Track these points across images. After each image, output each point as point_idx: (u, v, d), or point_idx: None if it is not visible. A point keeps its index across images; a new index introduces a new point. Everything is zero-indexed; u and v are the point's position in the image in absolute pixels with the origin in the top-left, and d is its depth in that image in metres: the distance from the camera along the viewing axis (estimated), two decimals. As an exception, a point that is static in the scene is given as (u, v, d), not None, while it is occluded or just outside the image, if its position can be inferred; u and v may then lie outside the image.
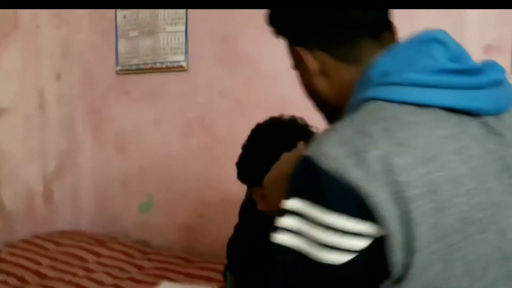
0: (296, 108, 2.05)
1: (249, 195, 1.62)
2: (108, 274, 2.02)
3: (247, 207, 1.63)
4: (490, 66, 0.68)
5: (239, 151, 2.40)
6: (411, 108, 0.64)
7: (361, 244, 0.59)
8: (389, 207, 0.58)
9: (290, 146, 1.24)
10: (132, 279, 1.98)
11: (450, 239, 0.59)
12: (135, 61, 2.56)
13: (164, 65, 2.47)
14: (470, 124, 0.66)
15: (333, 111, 0.81)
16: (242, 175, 1.37)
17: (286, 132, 1.35)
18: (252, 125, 2.33)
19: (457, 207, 0.59)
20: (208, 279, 2.00)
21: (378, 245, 0.58)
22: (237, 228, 1.72)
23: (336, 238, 0.59)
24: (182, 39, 2.42)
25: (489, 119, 0.67)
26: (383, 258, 0.58)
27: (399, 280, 0.59)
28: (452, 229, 0.59)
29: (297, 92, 2.22)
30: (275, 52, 2.16)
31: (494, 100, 0.67)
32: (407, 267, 0.58)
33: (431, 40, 0.70)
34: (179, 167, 2.52)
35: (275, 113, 2.17)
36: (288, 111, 2.09)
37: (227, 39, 2.32)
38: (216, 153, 2.41)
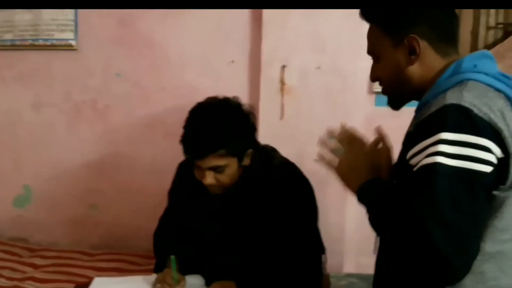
0: (205, 94, 2.11)
1: (181, 174, 1.62)
2: (1, 276, 1.77)
3: (180, 188, 1.63)
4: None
5: (140, 135, 2.35)
6: (492, 89, 0.95)
7: (494, 160, 0.87)
8: (509, 138, 0.88)
9: (229, 121, 1.33)
10: (34, 279, 1.78)
11: None
12: (9, 36, 2.25)
13: (48, 43, 2.24)
14: None
15: (409, 94, 1.07)
16: (189, 150, 1.41)
17: (225, 108, 1.44)
18: (156, 110, 2.31)
19: None
20: (119, 271, 1.91)
21: (502, 163, 0.88)
22: (162, 218, 1.69)
23: (486, 155, 0.85)
24: (71, 16, 2.23)
25: None
26: (505, 171, 0.88)
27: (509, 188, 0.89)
28: None
29: (207, 79, 2.29)
30: (183, 38, 2.20)
31: None
32: None
33: (489, 56, 1.04)
34: (65, 155, 2.31)
35: (183, 99, 2.20)
36: (196, 98, 2.15)
37: (125, 21, 2.21)
38: (112, 139, 2.29)
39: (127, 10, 2.19)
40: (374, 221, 0.98)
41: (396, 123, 2.09)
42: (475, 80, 0.95)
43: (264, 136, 1.96)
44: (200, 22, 2.18)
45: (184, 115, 2.16)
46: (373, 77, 1.12)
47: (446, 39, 1.03)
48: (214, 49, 2.18)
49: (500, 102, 0.92)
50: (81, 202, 2.33)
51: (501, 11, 2.09)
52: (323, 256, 1.51)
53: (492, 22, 2.09)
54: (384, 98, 2.18)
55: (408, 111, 2.10)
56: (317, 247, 1.50)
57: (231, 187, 1.43)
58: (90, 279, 1.63)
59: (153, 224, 2.23)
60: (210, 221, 1.49)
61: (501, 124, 0.88)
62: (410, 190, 0.89)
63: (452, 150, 0.85)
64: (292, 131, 2.03)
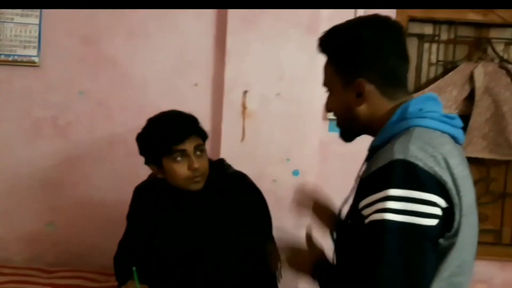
0: None
1: (138, 197, 1.68)
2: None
3: (138, 209, 1.68)
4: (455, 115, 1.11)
5: (101, 153, 2.37)
6: (439, 133, 1.01)
7: (439, 212, 0.92)
8: (452, 189, 0.93)
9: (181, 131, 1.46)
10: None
11: (467, 213, 0.96)
12: (-32, 50, 2.23)
13: (10, 58, 2.24)
14: (460, 148, 1.06)
15: (359, 130, 1.13)
16: (170, 137, 1.49)
17: (178, 119, 1.56)
18: (119, 129, 2.35)
19: (468, 196, 0.98)
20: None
21: (447, 213, 0.93)
22: (121, 242, 1.72)
23: (431, 209, 0.90)
24: (34, 32, 2.24)
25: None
26: (451, 220, 0.94)
27: (455, 234, 0.95)
28: (467, 208, 0.96)
29: (171, 100, 2.36)
30: (147, 59, 2.27)
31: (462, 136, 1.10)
32: (459, 224, 0.94)
33: (433, 98, 1.09)
34: (23, 170, 2.30)
35: (146, 119, 2.26)
36: None
37: (89, 40, 2.26)
38: (72, 156, 2.30)
39: (91, 28, 2.25)
40: None
41: (347, 148, 2.26)
42: (421, 126, 1.01)
43: (226, 156, 2.04)
44: (164, 44, 2.26)
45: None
46: (328, 108, 1.17)
47: (394, 83, 1.08)
48: (178, 71, 2.27)
49: (446, 147, 0.98)
50: (38, 219, 2.31)
51: (441, 49, 2.33)
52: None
53: (433, 59, 2.32)
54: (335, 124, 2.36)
55: (359, 137, 2.29)
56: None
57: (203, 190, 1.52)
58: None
59: (112, 241, 2.25)
60: (176, 234, 1.55)
61: (445, 177, 0.92)
62: (362, 247, 0.94)
63: (399, 206, 0.90)
64: (252, 152, 2.14)
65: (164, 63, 2.27)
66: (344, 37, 1.08)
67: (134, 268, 1.46)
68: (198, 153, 1.48)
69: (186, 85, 2.27)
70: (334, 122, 2.33)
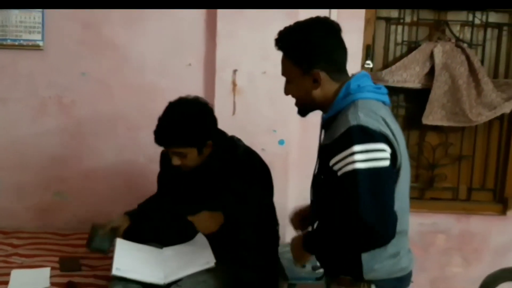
0: (165, 93, 2.45)
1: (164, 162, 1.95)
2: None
3: (164, 175, 1.96)
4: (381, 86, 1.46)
5: (104, 128, 2.60)
6: (374, 101, 1.36)
7: (388, 156, 1.27)
8: (393, 139, 1.29)
9: (188, 120, 1.70)
10: (19, 254, 2.00)
11: (403, 155, 1.33)
12: (-25, 35, 2.40)
13: (16, 43, 2.42)
14: (389, 109, 1.42)
15: (312, 108, 1.44)
16: (156, 140, 1.76)
17: (187, 107, 1.80)
18: (120, 106, 2.57)
19: (402, 144, 1.33)
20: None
21: (392, 156, 1.28)
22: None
23: (383, 154, 1.26)
24: (38, 19, 2.43)
25: None
26: (394, 161, 1.29)
27: (398, 170, 1.31)
28: (403, 152, 1.33)
29: (166, 80, 2.60)
30: (144, 42, 2.49)
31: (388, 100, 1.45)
32: (400, 164, 1.30)
33: (366, 75, 1.43)
34: (31, 147, 2.51)
35: (145, 97, 2.53)
36: (157, 96, 2.46)
37: (89, 25, 2.46)
38: (77, 131, 2.52)
39: (91, 14, 2.44)
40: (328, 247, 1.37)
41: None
42: (361, 98, 1.34)
43: (221, 128, 2.32)
44: (159, 28, 2.48)
45: (145, 110, 2.50)
46: (287, 93, 1.48)
47: (338, 69, 1.40)
48: (173, 53, 2.50)
49: (382, 111, 1.33)
50: (46, 190, 2.54)
51: (406, 30, 2.63)
52: (277, 227, 1.90)
53: (399, 40, 2.63)
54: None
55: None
56: (273, 220, 1.89)
57: (198, 168, 1.78)
58: (73, 253, 1.89)
59: (116, 208, 2.51)
60: (185, 192, 1.83)
61: (386, 131, 1.28)
62: (340, 191, 1.26)
63: (362, 157, 1.23)
64: (242, 125, 2.40)
65: (160, 45, 2.49)
66: (299, 38, 1.38)
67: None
68: (179, 156, 1.75)
69: (180, 65, 2.51)
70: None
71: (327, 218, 1.37)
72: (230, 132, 2.09)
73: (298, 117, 2.52)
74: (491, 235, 2.70)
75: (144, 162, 2.55)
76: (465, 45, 2.54)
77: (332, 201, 1.32)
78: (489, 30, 2.65)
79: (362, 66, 2.56)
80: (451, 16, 2.63)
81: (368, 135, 1.26)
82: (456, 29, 2.64)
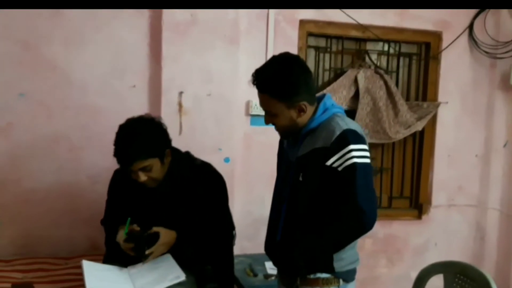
0: (108, 113, 2.48)
1: (116, 177, 1.98)
2: None
3: (117, 185, 2.00)
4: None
5: (44, 150, 2.54)
6: (343, 114, 1.63)
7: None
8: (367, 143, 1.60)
9: (145, 132, 1.78)
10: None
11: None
12: None
13: None
14: None
15: (294, 131, 1.62)
16: (119, 161, 1.80)
17: (140, 123, 1.86)
18: (61, 127, 2.53)
19: None
20: (45, 270, 2.12)
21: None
22: (105, 210, 2.02)
23: (368, 153, 1.54)
24: (-28, 37, 2.33)
25: None
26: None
27: None
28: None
29: (109, 100, 2.61)
30: (84, 62, 2.50)
31: None
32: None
33: (330, 96, 1.68)
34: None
35: (87, 117, 2.53)
36: (100, 116, 2.48)
37: (29, 45, 2.41)
38: (14, 154, 2.43)
39: (31, 33, 2.40)
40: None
41: (264, 138, 2.77)
42: (337, 112, 1.62)
43: None
44: (101, 50, 2.51)
45: (87, 131, 2.50)
46: (269, 123, 1.65)
47: (314, 95, 1.63)
48: (116, 74, 2.53)
49: (353, 121, 1.63)
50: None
51: (332, 58, 2.93)
52: (234, 231, 2.02)
53: (327, 66, 2.92)
54: (257, 119, 2.84)
55: (271, 130, 2.77)
56: (230, 224, 2.00)
57: (162, 181, 1.84)
58: (24, 279, 1.83)
59: (59, 231, 2.46)
60: (147, 209, 1.86)
61: (364, 136, 1.58)
62: (340, 183, 1.49)
63: (358, 154, 1.50)
64: (189, 144, 2.43)
65: (102, 67, 2.51)
66: (281, 80, 1.55)
67: (129, 218, 1.77)
68: (146, 171, 1.78)
69: (124, 87, 2.54)
70: (256, 117, 2.81)
71: (318, 211, 1.54)
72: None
73: (241, 136, 2.75)
74: (410, 237, 3.07)
75: (86, 182, 2.53)
76: (382, 72, 2.90)
77: (325, 195, 1.52)
78: (401, 59, 3.04)
79: (296, 89, 2.81)
80: (370, 46, 2.98)
81: (358, 137, 1.53)
82: (374, 57, 3.00)
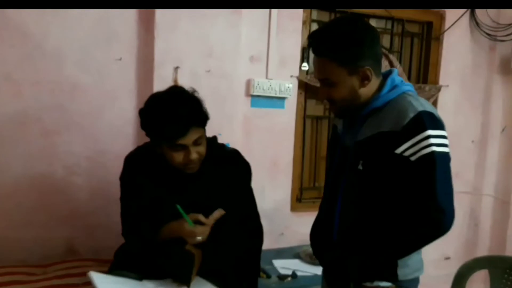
0: (88, 91, 2.12)
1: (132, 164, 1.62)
2: None
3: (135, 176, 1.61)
4: None
5: (11, 134, 2.13)
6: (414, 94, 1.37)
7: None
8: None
9: (182, 127, 1.45)
10: None
11: None
12: None
13: None
14: None
15: (354, 107, 1.36)
16: (171, 132, 1.45)
17: (181, 110, 1.48)
18: (32, 107, 2.13)
19: None
20: (21, 283, 1.73)
21: None
22: (128, 215, 1.62)
23: (447, 141, 1.28)
24: None
25: None
26: None
27: None
28: None
29: (90, 75, 2.23)
30: (61, 30, 2.08)
31: None
32: None
33: (397, 72, 1.42)
34: None
35: (63, 95, 2.13)
36: (79, 94, 2.11)
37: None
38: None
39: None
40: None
41: (266, 122, 2.51)
42: (408, 91, 1.36)
43: None
44: (80, 15, 2.09)
45: (64, 112, 2.10)
46: (325, 98, 1.38)
47: (379, 65, 1.37)
48: (98, 45, 2.13)
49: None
50: None
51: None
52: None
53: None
54: (259, 100, 2.56)
55: (273, 113, 2.51)
56: (259, 222, 1.71)
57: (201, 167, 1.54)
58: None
59: (28, 233, 2.06)
60: (174, 199, 1.53)
61: (442, 120, 1.31)
62: (415, 175, 1.24)
63: (437, 141, 1.24)
64: None
65: (82, 35, 2.11)
66: (343, 38, 1.30)
67: (178, 206, 1.46)
68: (197, 143, 1.49)
69: (108, 59, 2.15)
70: (257, 98, 2.53)
71: (388, 210, 1.30)
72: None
73: (242, 119, 2.45)
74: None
75: (62, 174, 2.13)
76: (387, 51, 2.71)
77: (391, 188, 1.29)
78: (404, 40, 2.85)
79: (300, 68, 2.55)
80: (373, 23, 2.77)
81: (437, 121, 1.28)
82: (376, 35, 2.79)
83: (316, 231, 1.50)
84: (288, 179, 2.58)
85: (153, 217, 1.52)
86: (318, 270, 2.12)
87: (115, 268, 1.51)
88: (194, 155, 1.47)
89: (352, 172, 1.36)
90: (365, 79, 1.32)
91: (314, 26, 2.62)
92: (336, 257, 1.38)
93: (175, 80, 2.18)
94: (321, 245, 1.47)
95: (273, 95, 2.43)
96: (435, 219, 1.23)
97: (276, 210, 2.56)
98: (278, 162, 2.56)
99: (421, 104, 1.29)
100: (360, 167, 1.33)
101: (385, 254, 1.31)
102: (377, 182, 1.31)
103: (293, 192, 2.60)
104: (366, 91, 1.35)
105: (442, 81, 2.92)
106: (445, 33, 2.88)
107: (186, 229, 1.45)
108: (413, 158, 1.24)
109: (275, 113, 2.49)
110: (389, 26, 2.81)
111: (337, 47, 1.30)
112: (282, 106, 2.50)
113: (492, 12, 2.92)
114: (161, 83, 2.14)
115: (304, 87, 2.56)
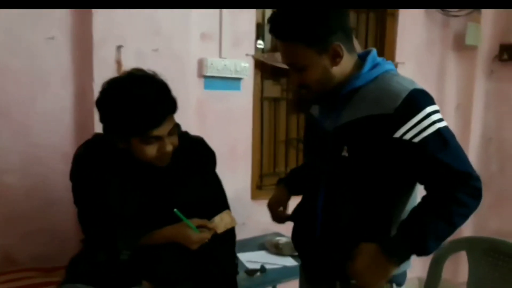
0: (17, 75, 1.85)
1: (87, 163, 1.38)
2: None
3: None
4: None
5: None
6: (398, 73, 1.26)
7: None
8: None
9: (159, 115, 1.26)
10: None
11: None
12: None
13: None
14: None
15: (330, 88, 1.22)
16: (146, 120, 1.25)
17: (156, 96, 1.30)
18: None
19: None
20: None
21: None
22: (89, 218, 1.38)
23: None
24: None
25: None
26: None
27: None
28: None
29: (16, 58, 1.95)
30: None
31: None
32: None
33: (375, 51, 1.28)
34: None
35: None
36: (5, 80, 1.84)
37: None
38: None
39: None
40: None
41: (221, 105, 2.33)
42: (391, 69, 1.25)
43: None
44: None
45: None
46: (299, 84, 1.24)
47: (349, 36, 1.23)
48: (25, 21, 1.84)
49: None
50: None
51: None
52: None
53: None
54: (213, 81, 2.36)
55: (230, 95, 2.32)
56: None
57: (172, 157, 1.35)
58: None
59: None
60: (138, 196, 1.35)
61: None
62: (421, 158, 1.12)
63: (438, 116, 1.14)
64: None
65: (4, 12, 1.80)
66: (306, 15, 1.15)
67: (176, 210, 1.30)
68: (172, 133, 1.31)
69: (38, 39, 1.86)
70: (210, 80, 2.33)
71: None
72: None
73: (195, 103, 2.24)
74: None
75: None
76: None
77: (389, 175, 1.16)
78: (359, 16, 2.75)
79: (255, 46, 2.37)
80: (328, -2, 2.64)
81: (430, 97, 1.17)
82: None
83: (298, 228, 1.36)
84: (247, 166, 2.41)
85: (129, 220, 1.31)
86: (287, 261, 1.99)
87: (70, 281, 1.27)
88: (169, 147, 1.28)
89: (335, 159, 1.21)
90: (336, 57, 1.19)
91: (268, 1, 2.45)
92: (320, 254, 1.24)
93: (119, 61, 1.93)
94: (302, 239, 1.32)
95: (228, 75, 2.23)
96: (476, 187, 1.11)
97: (237, 200, 2.37)
98: (236, 148, 2.38)
99: (410, 82, 1.18)
100: (345, 153, 1.19)
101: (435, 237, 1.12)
102: (366, 169, 1.17)
103: (253, 180, 2.44)
104: (340, 69, 1.22)
105: (398, 58, 2.85)
106: (401, 11, 2.81)
107: (193, 237, 1.32)
108: (416, 140, 1.12)
109: (230, 95, 2.30)
110: (344, 1, 2.69)
111: (302, 28, 1.16)
112: (238, 88, 2.32)
113: (445, -14, 2.88)
114: (102, 65, 1.90)
115: (260, 66, 2.39)
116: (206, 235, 1.34)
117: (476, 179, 1.12)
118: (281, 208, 1.46)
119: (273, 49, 2.45)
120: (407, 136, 1.12)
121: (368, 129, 1.15)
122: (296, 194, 1.45)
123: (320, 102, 1.31)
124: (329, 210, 1.23)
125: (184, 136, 1.46)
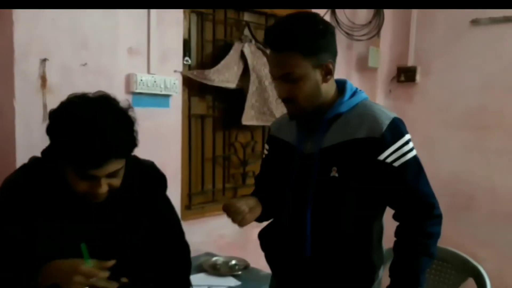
0: None
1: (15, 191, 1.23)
2: None
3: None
4: None
5: None
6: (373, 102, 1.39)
7: None
8: None
9: (99, 156, 1.14)
10: None
11: None
12: None
13: None
14: None
15: (316, 106, 1.29)
16: (86, 159, 1.12)
17: (109, 105, 1.20)
18: None
19: None
20: None
21: None
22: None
23: None
24: None
25: None
26: None
27: None
28: None
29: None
30: None
31: None
32: None
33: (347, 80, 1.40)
34: None
35: None
36: None
37: None
38: None
39: None
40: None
41: (149, 123, 2.26)
42: (367, 98, 1.36)
43: (24, 141, 1.69)
44: None
45: None
46: (286, 96, 1.27)
47: (335, 62, 1.31)
48: None
49: None
50: None
51: (218, 27, 2.52)
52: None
53: (209, 37, 2.50)
54: (141, 98, 2.27)
55: (158, 112, 2.24)
56: (185, 243, 1.58)
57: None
58: None
59: None
60: (83, 229, 1.22)
61: None
62: (401, 180, 1.25)
63: (412, 144, 1.28)
64: None
65: None
66: (307, 28, 1.23)
67: (82, 244, 1.13)
68: (112, 176, 1.18)
69: None
70: (138, 97, 2.24)
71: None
72: (43, 145, 1.50)
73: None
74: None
75: None
76: (263, 47, 2.65)
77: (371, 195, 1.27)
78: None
79: (182, 63, 2.31)
80: (248, 17, 2.69)
81: (404, 126, 1.30)
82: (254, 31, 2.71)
83: (278, 246, 1.38)
84: (177, 186, 2.33)
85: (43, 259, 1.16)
86: (230, 282, 1.98)
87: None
88: (103, 189, 1.17)
89: (323, 180, 1.28)
90: (328, 74, 1.29)
91: (194, 17, 2.42)
92: (313, 274, 1.29)
93: (43, 76, 1.76)
94: (289, 261, 1.36)
95: (158, 92, 2.15)
96: (440, 215, 1.28)
97: (165, 221, 2.30)
98: (166, 168, 2.26)
99: (389, 111, 1.31)
100: (335, 174, 1.26)
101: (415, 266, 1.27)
102: (355, 188, 1.26)
103: (182, 200, 2.37)
104: (326, 89, 1.30)
105: (310, 77, 3.00)
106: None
107: (81, 268, 1.11)
108: (396, 164, 1.25)
109: (159, 112, 2.22)
110: (262, 21, 2.77)
111: (301, 38, 1.22)
112: (167, 105, 2.24)
113: (348, 12, 3.11)
114: (23, 80, 1.73)
115: (187, 83, 2.34)
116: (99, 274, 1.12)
117: (438, 207, 1.28)
118: (245, 208, 1.31)
119: (199, 66, 2.42)
120: (389, 159, 1.24)
121: (356, 150, 1.25)
122: (267, 219, 1.46)
123: (299, 119, 1.35)
124: (319, 229, 1.28)
125: (134, 162, 1.36)
